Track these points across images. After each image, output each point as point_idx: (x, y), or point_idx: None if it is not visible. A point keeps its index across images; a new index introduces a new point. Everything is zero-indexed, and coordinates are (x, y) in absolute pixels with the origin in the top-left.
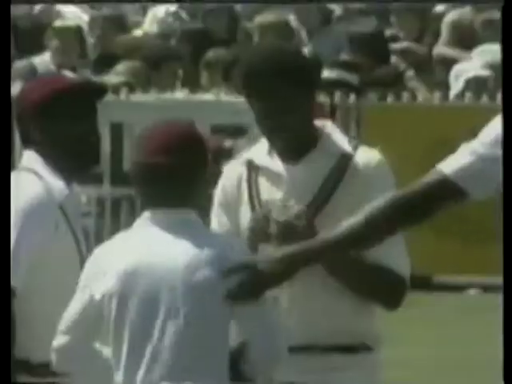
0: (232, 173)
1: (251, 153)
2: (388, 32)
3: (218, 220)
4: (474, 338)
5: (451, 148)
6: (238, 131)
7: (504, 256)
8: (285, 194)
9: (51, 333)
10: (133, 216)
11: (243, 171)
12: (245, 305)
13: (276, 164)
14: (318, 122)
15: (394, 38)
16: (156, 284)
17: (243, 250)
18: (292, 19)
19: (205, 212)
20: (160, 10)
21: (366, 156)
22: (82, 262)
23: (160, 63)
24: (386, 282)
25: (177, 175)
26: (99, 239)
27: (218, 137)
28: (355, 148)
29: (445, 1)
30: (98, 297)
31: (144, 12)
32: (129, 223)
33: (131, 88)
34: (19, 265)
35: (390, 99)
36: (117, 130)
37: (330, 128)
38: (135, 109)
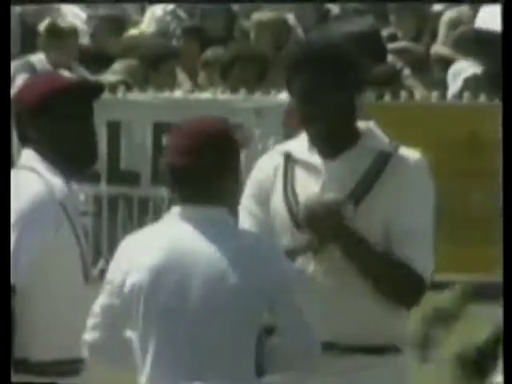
0: (268, 164)
1: (289, 146)
2: (386, 31)
3: (248, 210)
4: None
5: (449, 147)
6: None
7: (504, 256)
8: (321, 188)
9: (50, 332)
10: (130, 214)
11: (280, 163)
12: (280, 303)
13: (314, 158)
14: (361, 123)
15: (392, 38)
16: (185, 281)
17: (273, 246)
18: (289, 18)
19: (235, 210)
20: (158, 9)
21: (406, 155)
22: (83, 259)
23: (158, 62)
24: (405, 279)
25: (208, 173)
26: (96, 238)
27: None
28: (396, 147)
29: (445, 0)
30: (126, 290)
31: (142, 11)
32: (126, 222)
33: (128, 87)
34: (20, 263)
35: (387, 98)
36: (114, 129)
37: (372, 128)
38: (132, 107)
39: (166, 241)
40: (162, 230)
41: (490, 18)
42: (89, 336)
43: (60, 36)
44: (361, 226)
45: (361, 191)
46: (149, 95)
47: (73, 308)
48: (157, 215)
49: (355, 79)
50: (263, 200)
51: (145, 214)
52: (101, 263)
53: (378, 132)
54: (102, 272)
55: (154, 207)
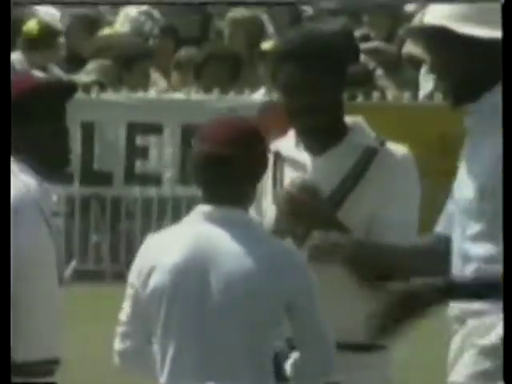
0: None
1: (278, 144)
2: (359, 32)
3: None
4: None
5: (420, 147)
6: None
7: (504, 256)
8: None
9: (34, 332)
10: (103, 215)
11: (269, 162)
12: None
13: (301, 155)
14: (348, 118)
15: (365, 38)
16: (207, 283)
17: (296, 253)
18: (263, 18)
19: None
20: (132, 10)
21: (393, 150)
22: (58, 260)
23: (131, 62)
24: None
25: (240, 173)
26: (69, 238)
27: None
28: (382, 143)
29: (445, 0)
30: (147, 292)
31: (116, 11)
32: (98, 222)
33: (102, 87)
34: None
35: (360, 98)
36: (87, 129)
37: (359, 123)
38: (106, 108)
39: (188, 241)
40: (185, 230)
41: (438, 13)
42: (118, 345)
43: (46, 37)
44: (347, 221)
45: (346, 187)
46: (122, 95)
47: (49, 309)
48: (129, 215)
49: (342, 73)
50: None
51: (118, 214)
52: (72, 264)
53: (366, 127)
54: (75, 273)
55: (126, 207)
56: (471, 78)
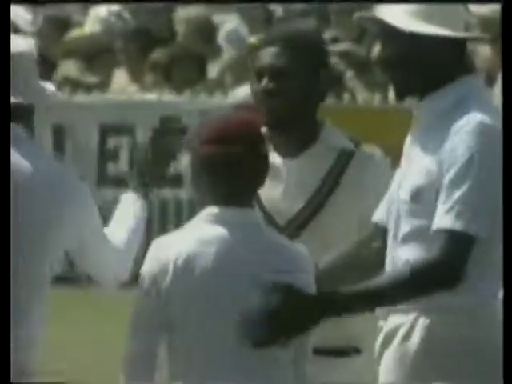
0: None
1: None
2: (328, 33)
3: None
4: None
5: (390, 150)
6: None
7: (504, 255)
8: (284, 189)
9: None
10: None
11: None
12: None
13: (275, 158)
14: (318, 117)
15: (334, 40)
16: (217, 287)
17: (305, 254)
18: (235, 18)
19: None
20: (102, 10)
21: (368, 152)
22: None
23: (92, 57)
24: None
25: (248, 172)
26: None
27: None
28: (357, 144)
29: (445, 1)
30: (154, 293)
31: (86, 12)
32: None
33: (74, 87)
34: None
35: (330, 100)
36: (58, 132)
37: (328, 123)
38: (77, 110)
39: (200, 244)
40: (195, 233)
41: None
42: (125, 350)
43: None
44: (329, 223)
45: (326, 189)
46: (94, 97)
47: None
48: (103, 218)
49: (314, 69)
50: None
51: None
52: None
53: (334, 127)
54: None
55: (100, 210)
56: (411, 75)
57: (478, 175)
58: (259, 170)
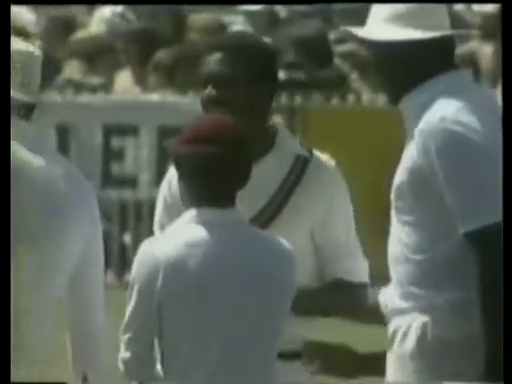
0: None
1: None
2: (333, 34)
3: (159, 221)
4: None
5: (394, 150)
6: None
7: (504, 255)
8: (243, 198)
9: None
10: None
11: None
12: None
13: None
14: (271, 123)
15: (339, 41)
16: (208, 288)
17: (289, 249)
18: (239, 21)
19: None
20: (107, 11)
21: (322, 160)
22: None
23: (96, 58)
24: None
25: (237, 173)
26: None
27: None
28: (311, 152)
29: (443, 1)
30: (146, 296)
31: (91, 13)
32: None
33: (78, 88)
34: None
35: (335, 101)
36: (62, 132)
37: (282, 129)
38: (81, 110)
39: (184, 246)
40: (179, 234)
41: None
42: (123, 353)
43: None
44: (286, 230)
45: (282, 197)
46: (97, 98)
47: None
48: (106, 218)
49: (269, 73)
50: (175, 210)
51: None
52: None
53: (288, 133)
54: None
55: (104, 210)
56: (393, 79)
57: (462, 168)
58: (241, 170)
